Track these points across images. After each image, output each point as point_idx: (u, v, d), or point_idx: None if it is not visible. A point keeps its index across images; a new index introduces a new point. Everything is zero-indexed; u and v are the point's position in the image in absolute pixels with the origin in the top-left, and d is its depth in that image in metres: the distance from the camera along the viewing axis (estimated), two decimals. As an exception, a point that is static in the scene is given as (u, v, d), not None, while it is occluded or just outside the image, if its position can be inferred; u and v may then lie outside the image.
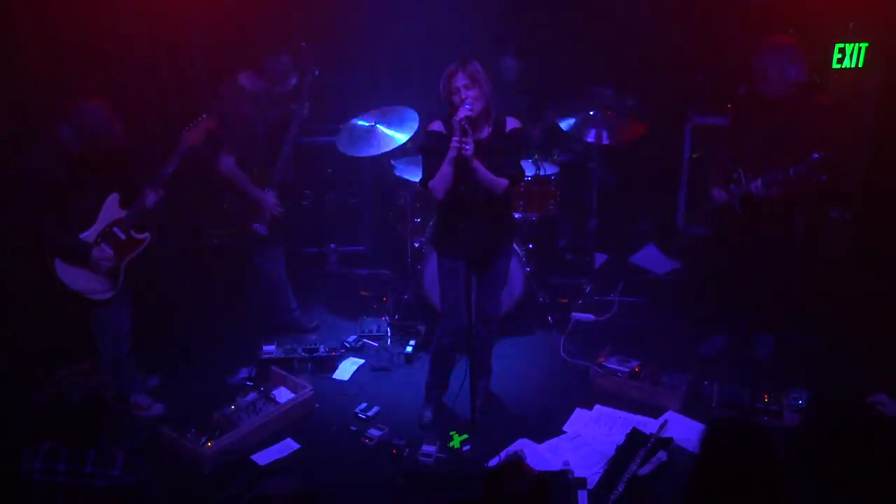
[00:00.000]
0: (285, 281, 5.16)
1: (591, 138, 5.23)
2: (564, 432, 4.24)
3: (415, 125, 5.11)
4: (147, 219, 4.20)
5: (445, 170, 3.79)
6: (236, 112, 4.58)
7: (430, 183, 3.88)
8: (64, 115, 3.83)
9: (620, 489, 3.69)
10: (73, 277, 4.03)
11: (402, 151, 5.53)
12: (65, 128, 3.82)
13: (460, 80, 3.75)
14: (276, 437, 4.20)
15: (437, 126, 3.94)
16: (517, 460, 2.77)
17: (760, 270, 4.61)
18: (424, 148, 3.98)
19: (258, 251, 5.02)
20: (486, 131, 3.91)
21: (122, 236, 4.11)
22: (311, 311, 5.49)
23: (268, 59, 4.61)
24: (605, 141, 5.17)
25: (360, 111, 5.36)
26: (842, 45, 5.46)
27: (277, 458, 4.07)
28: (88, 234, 4.02)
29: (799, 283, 4.76)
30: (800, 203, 4.51)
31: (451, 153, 3.73)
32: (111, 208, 4.07)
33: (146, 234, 4.20)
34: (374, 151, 5.17)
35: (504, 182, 3.87)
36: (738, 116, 4.58)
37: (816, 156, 4.01)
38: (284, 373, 4.60)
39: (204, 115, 4.28)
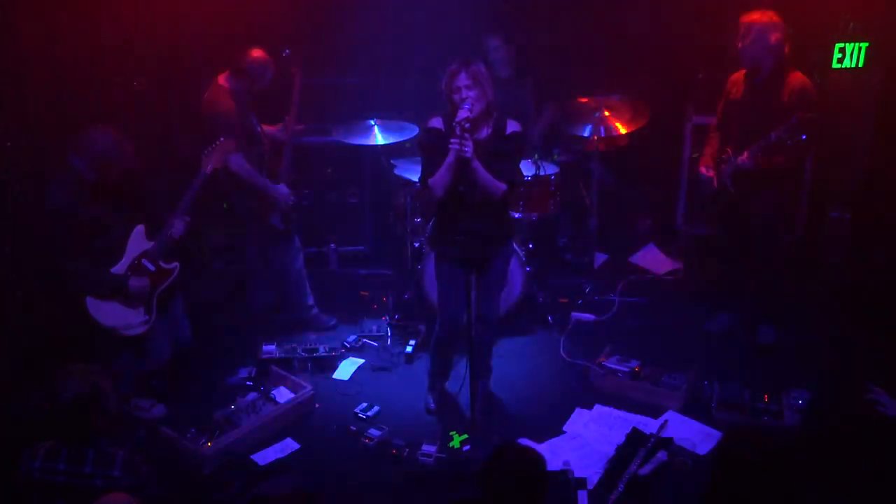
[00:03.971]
0: (303, 277, 5.16)
1: (590, 135, 5.23)
2: (564, 432, 4.24)
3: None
4: (174, 247, 4.15)
5: (444, 170, 3.80)
6: (227, 111, 4.57)
7: (430, 181, 3.89)
8: (73, 148, 3.81)
9: (620, 489, 3.69)
10: (106, 314, 3.99)
11: (401, 151, 5.53)
12: (76, 159, 3.80)
13: (462, 80, 3.75)
14: (276, 437, 4.20)
15: (436, 122, 3.95)
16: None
17: (756, 248, 4.78)
18: (423, 146, 3.99)
19: (274, 248, 5.03)
20: (484, 132, 3.91)
21: (152, 268, 4.06)
22: (328, 309, 5.43)
23: (244, 60, 4.61)
24: (604, 134, 5.16)
25: (359, 111, 5.37)
26: (842, 45, 5.45)
27: (277, 458, 4.07)
28: (118, 269, 3.98)
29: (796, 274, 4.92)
30: (788, 174, 4.68)
31: (451, 156, 3.74)
32: (138, 240, 4.03)
33: (175, 264, 4.16)
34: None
35: (502, 186, 3.86)
36: (725, 100, 4.73)
37: (795, 119, 4.17)
38: (284, 373, 4.59)
39: (222, 139, 4.27)
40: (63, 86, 4.72)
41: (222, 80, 4.68)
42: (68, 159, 3.83)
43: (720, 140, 4.74)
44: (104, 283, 3.93)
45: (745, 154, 4.41)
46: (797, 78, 4.40)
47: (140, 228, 4.04)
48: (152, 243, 4.06)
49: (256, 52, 4.63)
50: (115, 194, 3.93)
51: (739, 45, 4.44)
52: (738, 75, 4.62)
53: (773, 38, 4.34)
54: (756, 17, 4.38)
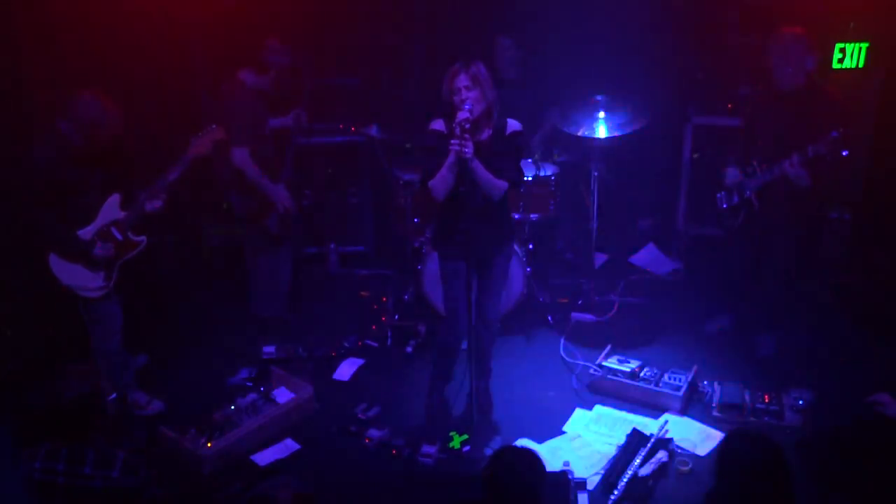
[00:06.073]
0: (285, 284, 5.14)
1: (591, 136, 5.22)
2: (564, 432, 4.24)
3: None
4: (146, 222, 4.21)
5: (444, 171, 3.79)
6: (241, 105, 4.59)
7: (430, 183, 3.88)
8: (62, 112, 3.87)
9: (620, 489, 3.69)
10: (67, 272, 4.07)
11: (402, 152, 5.52)
12: (64, 123, 3.86)
13: (462, 81, 3.75)
14: (276, 438, 4.20)
15: (438, 125, 3.94)
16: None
17: (770, 260, 4.71)
18: (425, 147, 3.98)
19: (265, 251, 5.02)
20: (486, 133, 3.91)
21: (119, 237, 4.12)
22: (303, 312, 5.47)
23: (265, 54, 4.63)
24: (605, 134, 5.16)
25: (360, 111, 5.37)
26: (842, 45, 5.46)
27: (277, 458, 4.07)
28: (86, 231, 4.04)
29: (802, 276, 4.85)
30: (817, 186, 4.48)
31: (451, 157, 3.73)
32: (111, 208, 4.09)
33: (143, 238, 4.22)
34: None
35: (503, 185, 3.86)
36: (753, 113, 4.62)
37: (835, 133, 4.03)
38: (284, 373, 4.59)
39: (214, 126, 4.29)
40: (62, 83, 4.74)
41: (242, 75, 4.69)
42: (57, 122, 3.88)
43: (746, 148, 4.62)
44: (70, 244, 4.02)
45: (795, 157, 4.18)
46: (833, 93, 4.28)
47: (115, 197, 4.10)
48: (124, 213, 4.12)
49: (273, 41, 4.65)
50: (98, 159, 3.99)
51: (773, 65, 4.28)
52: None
53: (809, 60, 4.20)
54: (787, 42, 4.18)
